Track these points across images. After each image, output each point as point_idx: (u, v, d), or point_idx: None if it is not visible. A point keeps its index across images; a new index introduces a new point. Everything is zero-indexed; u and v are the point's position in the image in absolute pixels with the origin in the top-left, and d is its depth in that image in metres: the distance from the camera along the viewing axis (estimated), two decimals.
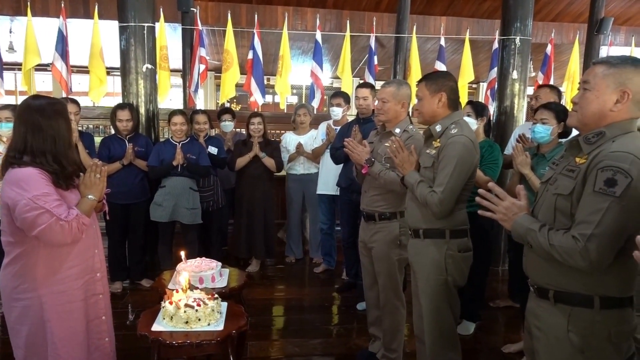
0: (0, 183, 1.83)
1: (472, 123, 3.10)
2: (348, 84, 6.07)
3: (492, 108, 4.87)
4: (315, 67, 5.93)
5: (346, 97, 4.22)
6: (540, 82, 6.53)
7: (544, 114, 2.75)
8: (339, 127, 4.01)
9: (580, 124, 1.50)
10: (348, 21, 6.43)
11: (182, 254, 2.59)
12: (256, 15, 5.92)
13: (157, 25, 4.36)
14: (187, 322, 2.04)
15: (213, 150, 4.12)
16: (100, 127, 6.79)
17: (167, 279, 2.72)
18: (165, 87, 5.67)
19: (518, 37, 4.36)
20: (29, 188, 1.70)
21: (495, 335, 3.35)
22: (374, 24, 6.49)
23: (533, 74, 7.70)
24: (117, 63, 4.09)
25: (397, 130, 2.55)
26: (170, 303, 2.09)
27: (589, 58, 7.19)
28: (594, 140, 1.43)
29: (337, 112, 4.13)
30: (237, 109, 10.70)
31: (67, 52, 5.19)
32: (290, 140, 4.60)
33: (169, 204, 3.76)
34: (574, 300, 1.44)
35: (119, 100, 4.13)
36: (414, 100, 2.44)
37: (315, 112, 5.39)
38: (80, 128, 4.15)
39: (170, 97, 6.66)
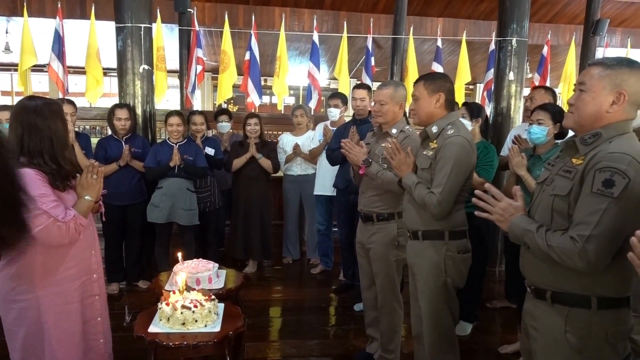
0: None
1: (467, 125, 3.10)
2: (345, 85, 6.07)
3: (488, 109, 4.88)
4: (312, 68, 5.93)
5: (343, 98, 4.22)
6: (537, 84, 6.56)
7: (540, 115, 2.76)
8: (335, 128, 4.01)
9: (577, 125, 1.51)
10: (345, 22, 6.43)
11: (179, 255, 2.58)
12: (253, 16, 5.93)
13: (154, 26, 4.35)
14: (184, 324, 2.04)
15: (210, 151, 4.12)
16: (97, 128, 6.76)
17: (164, 280, 2.71)
18: (162, 88, 5.67)
19: (514, 39, 4.38)
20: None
21: (492, 336, 3.35)
22: (371, 25, 6.49)
23: (529, 75, 7.73)
24: (113, 64, 4.08)
25: (394, 131, 2.56)
26: (167, 304, 2.08)
27: (585, 59, 7.22)
28: (590, 141, 1.44)
29: (334, 113, 4.14)
30: (234, 110, 10.70)
31: (63, 53, 5.18)
32: (287, 141, 4.60)
33: (166, 205, 3.75)
34: (572, 300, 1.45)
35: (115, 101, 4.12)
36: (410, 102, 2.45)
37: (312, 113, 5.39)
38: (76, 129, 4.13)
39: (167, 98, 6.65)
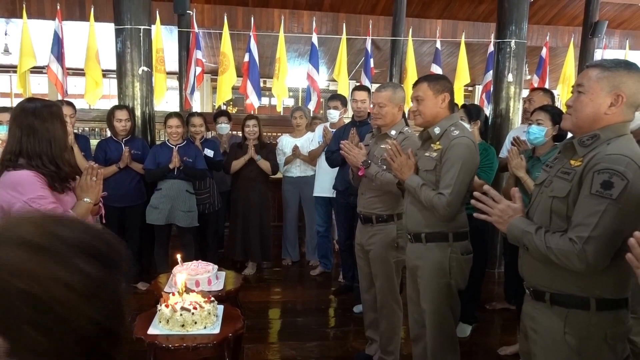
0: None
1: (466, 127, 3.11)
2: (344, 86, 6.07)
3: (487, 111, 4.88)
4: (311, 69, 5.93)
5: (343, 100, 4.22)
6: (536, 85, 6.56)
7: (540, 115, 2.77)
8: (334, 130, 4.02)
9: (575, 127, 1.51)
10: (344, 24, 6.44)
11: (178, 257, 2.58)
12: (252, 18, 5.92)
13: (153, 27, 4.36)
14: (183, 326, 2.04)
15: (209, 152, 4.12)
16: (96, 129, 6.77)
17: (163, 282, 2.72)
18: (162, 90, 5.66)
19: (513, 40, 4.38)
20: (24, 191, 1.70)
21: (491, 338, 3.35)
22: (370, 26, 6.49)
23: (528, 77, 7.74)
24: (113, 65, 4.08)
25: (393, 133, 2.56)
26: (167, 306, 2.08)
27: (584, 61, 7.22)
28: (588, 143, 1.44)
29: (334, 114, 4.14)
30: (234, 112, 10.70)
31: (62, 55, 5.18)
32: (286, 142, 4.60)
33: (165, 206, 3.75)
34: (571, 302, 1.45)
35: (115, 102, 4.12)
36: (409, 103, 2.45)
37: (312, 115, 5.40)
38: (75, 131, 4.13)
39: (166, 100, 6.65)
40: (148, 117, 4.12)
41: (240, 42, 8.05)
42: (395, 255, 2.60)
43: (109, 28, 4.34)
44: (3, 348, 0.59)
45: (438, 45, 6.51)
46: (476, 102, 9.90)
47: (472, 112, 3.25)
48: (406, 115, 2.99)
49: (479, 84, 8.43)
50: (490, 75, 5.55)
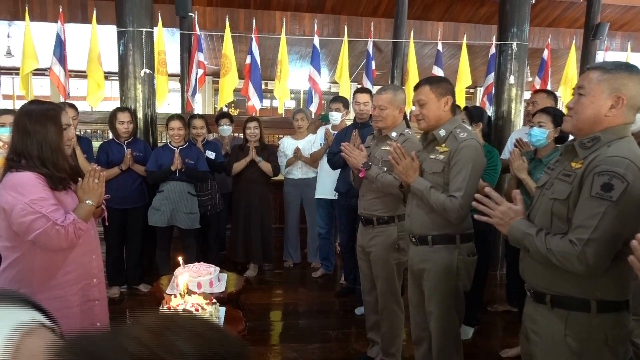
0: None
1: None
2: (346, 88, 6.08)
3: (489, 113, 4.89)
4: (313, 71, 5.94)
5: (345, 102, 4.23)
6: (538, 87, 6.56)
7: (542, 118, 2.77)
8: (336, 132, 4.02)
9: (575, 129, 1.51)
10: (346, 26, 6.45)
11: (180, 258, 2.59)
12: (254, 20, 5.94)
13: (155, 30, 4.37)
14: None
15: (211, 154, 4.13)
16: (98, 131, 6.79)
17: (165, 283, 2.72)
18: (163, 92, 5.67)
19: (515, 42, 4.39)
20: (25, 192, 1.70)
21: (493, 340, 3.35)
22: (372, 29, 6.51)
23: (530, 79, 7.73)
24: (115, 68, 4.09)
25: (394, 134, 2.56)
26: (169, 308, 2.09)
27: (585, 63, 7.22)
28: (589, 145, 1.45)
29: (336, 116, 4.14)
30: (235, 114, 10.71)
31: (65, 57, 5.19)
32: (288, 144, 4.61)
33: (167, 208, 3.76)
34: (571, 304, 1.45)
35: (117, 104, 4.13)
36: (410, 105, 2.45)
37: (313, 117, 5.40)
38: (78, 133, 4.15)
39: (168, 102, 6.68)
40: (150, 119, 4.13)
41: (242, 44, 8.05)
42: (396, 257, 2.60)
43: (111, 30, 4.36)
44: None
45: (439, 47, 6.52)
46: (478, 104, 9.89)
47: (473, 114, 3.25)
48: (407, 117, 3.00)
49: (481, 86, 8.44)
50: (491, 78, 5.55)
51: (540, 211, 1.55)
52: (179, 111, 7.30)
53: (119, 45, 4.00)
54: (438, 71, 6.30)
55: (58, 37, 5.17)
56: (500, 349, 3.11)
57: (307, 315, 3.71)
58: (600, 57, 7.37)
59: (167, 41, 5.94)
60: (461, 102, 6.24)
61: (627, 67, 1.43)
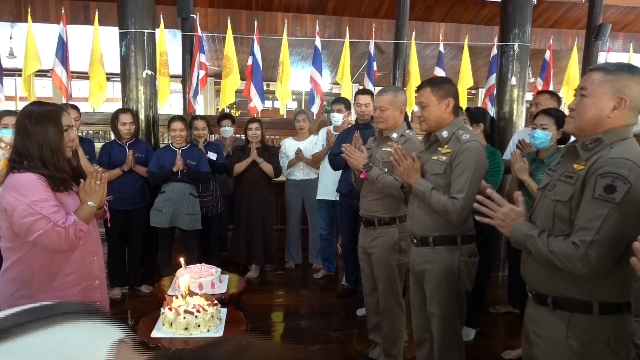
0: (0, 188, 1.84)
1: None
2: (347, 89, 6.09)
3: (490, 114, 4.88)
4: (314, 73, 5.95)
5: (347, 103, 4.23)
6: (540, 88, 6.55)
7: (544, 120, 2.76)
8: (338, 133, 4.03)
9: (577, 130, 1.51)
10: (347, 27, 6.46)
11: (182, 260, 2.59)
12: (256, 22, 5.95)
13: (157, 31, 4.38)
14: (186, 329, 2.04)
15: (212, 156, 4.13)
16: (100, 133, 6.80)
17: (167, 285, 2.72)
18: (165, 93, 5.69)
19: (517, 43, 4.38)
20: (27, 194, 1.70)
21: (495, 341, 3.34)
22: (373, 30, 6.52)
23: (532, 80, 7.72)
24: (117, 69, 4.10)
25: (394, 135, 2.56)
26: (170, 309, 2.09)
27: (588, 64, 7.22)
28: (591, 146, 1.44)
29: (337, 117, 4.15)
30: (237, 115, 10.72)
31: (67, 58, 5.21)
32: (289, 145, 4.61)
33: (169, 209, 3.76)
34: (573, 306, 1.45)
35: (118, 106, 4.14)
36: (411, 106, 2.44)
37: (315, 118, 5.41)
38: (80, 134, 4.16)
39: (170, 103, 6.68)
40: (152, 121, 4.13)
41: (244, 45, 8.07)
42: (398, 258, 2.60)
43: (113, 32, 4.37)
44: None
45: (441, 48, 6.52)
46: (479, 105, 9.89)
47: (474, 115, 3.25)
48: (409, 118, 2.99)
49: (482, 87, 8.42)
50: (493, 79, 5.54)
51: (542, 213, 1.55)
52: (180, 112, 7.31)
53: (121, 47, 4.00)
54: (440, 72, 6.31)
55: (60, 38, 5.19)
56: (502, 350, 3.10)
57: (309, 317, 3.71)
58: (603, 58, 7.37)
59: (169, 42, 5.96)
60: (463, 103, 6.24)
61: (629, 68, 1.43)
